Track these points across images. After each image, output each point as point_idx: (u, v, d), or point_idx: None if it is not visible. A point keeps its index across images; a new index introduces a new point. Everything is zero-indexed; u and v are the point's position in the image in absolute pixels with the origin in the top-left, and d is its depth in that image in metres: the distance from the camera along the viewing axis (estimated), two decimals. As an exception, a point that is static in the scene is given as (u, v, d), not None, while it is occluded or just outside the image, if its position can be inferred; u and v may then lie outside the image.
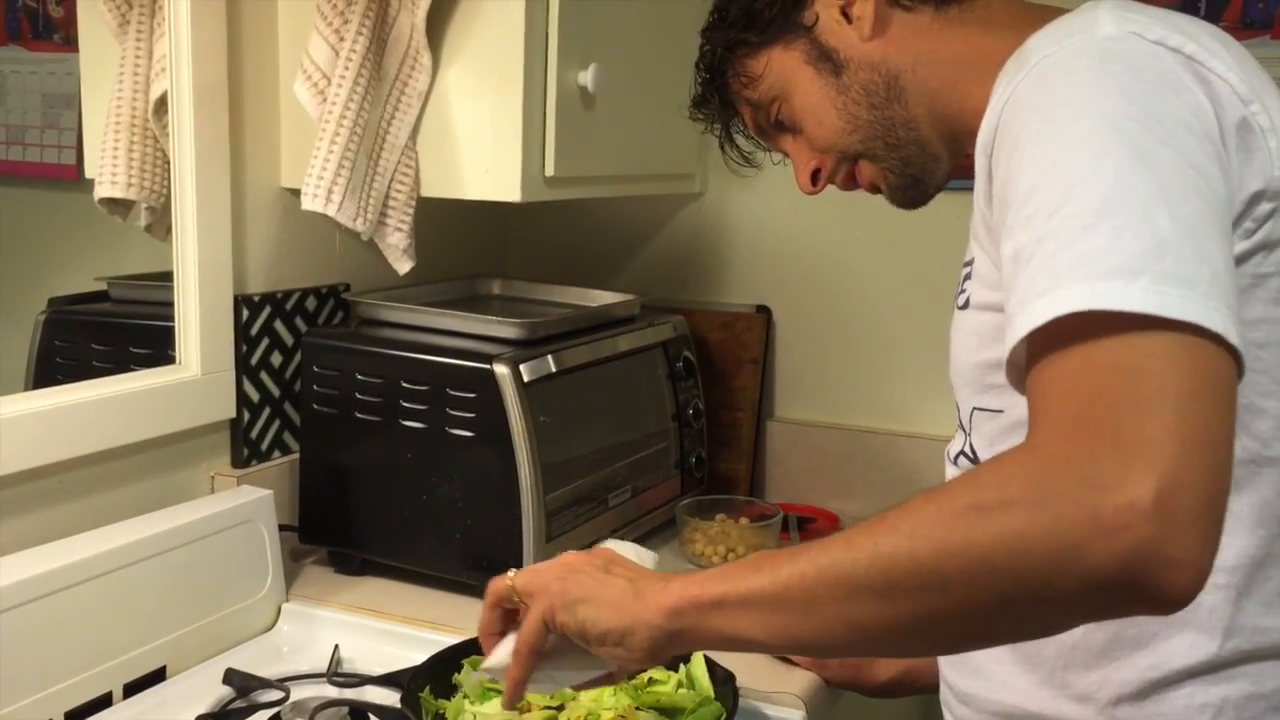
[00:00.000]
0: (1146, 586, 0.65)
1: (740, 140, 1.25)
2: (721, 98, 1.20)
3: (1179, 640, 0.89)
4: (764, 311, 2.05)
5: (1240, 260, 0.83)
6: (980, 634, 0.76)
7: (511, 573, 0.97)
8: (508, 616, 0.99)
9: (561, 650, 0.93)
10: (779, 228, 2.03)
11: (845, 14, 1.08)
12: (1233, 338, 0.70)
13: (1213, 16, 1.68)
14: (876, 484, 1.98)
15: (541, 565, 0.96)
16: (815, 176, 1.16)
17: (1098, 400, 0.68)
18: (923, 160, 1.10)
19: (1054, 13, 0.98)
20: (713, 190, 2.07)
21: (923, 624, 0.73)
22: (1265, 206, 0.83)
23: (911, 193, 1.13)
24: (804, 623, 0.78)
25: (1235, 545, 0.88)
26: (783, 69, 1.12)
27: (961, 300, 1.00)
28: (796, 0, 1.10)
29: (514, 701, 0.97)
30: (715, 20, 1.18)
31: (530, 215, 2.14)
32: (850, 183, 1.16)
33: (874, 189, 1.15)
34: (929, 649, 0.81)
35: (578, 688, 1.01)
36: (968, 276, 0.99)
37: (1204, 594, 0.80)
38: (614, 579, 0.90)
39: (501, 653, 0.97)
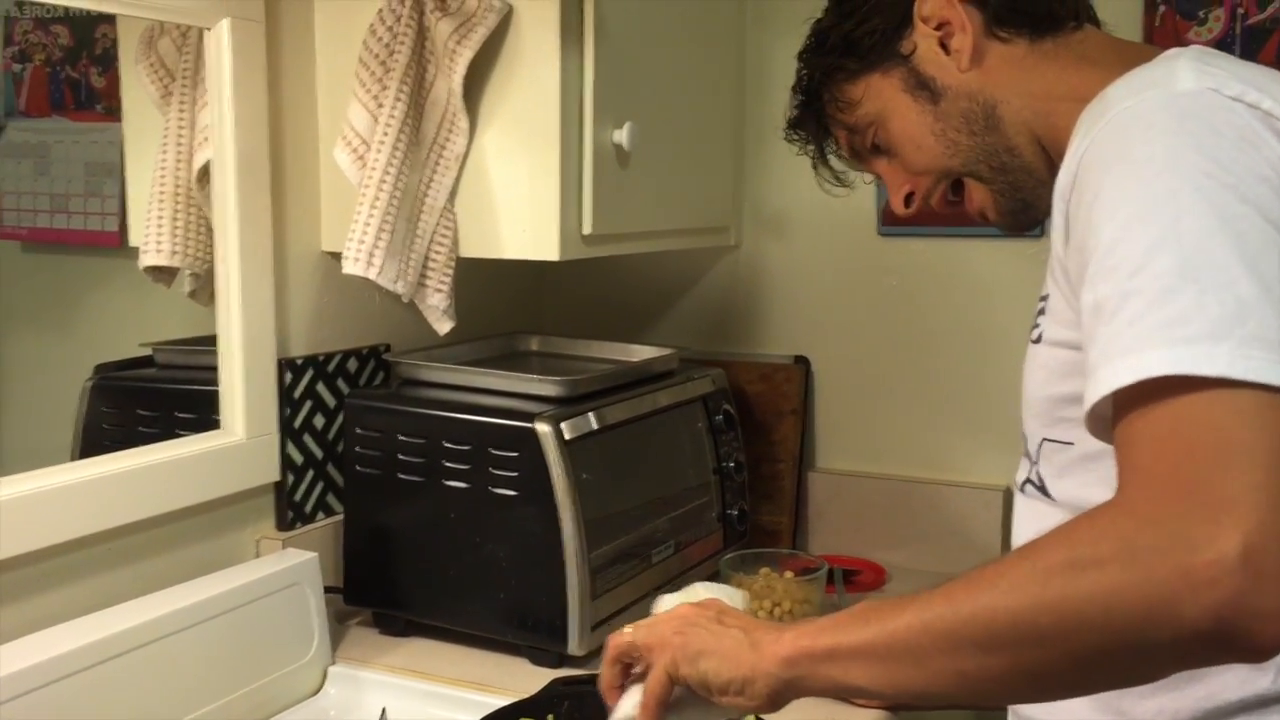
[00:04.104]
0: (1237, 638, 0.68)
1: (834, 161, 1.29)
2: (817, 121, 1.24)
3: (1232, 675, 0.92)
4: (803, 362, 2.04)
5: None
6: (1079, 684, 0.78)
7: (628, 628, 1.01)
8: (626, 671, 1.03)
9: (684, 701, 0.97)
10: (815, 278, 2.04)
11: (944, 45, 1.11)
12: None
13: (1248, 55, 1.68)
14: (920, 534, 1.96)
15: (656, 619, 1.00)
16: (909, 199, 1.20)
17: (1186, 460, 0.71)
18: (1032, 185, 1.12)
19: (1146, 52, 1.00)
20: (748, 242, 2.08)
21: (1024, 675, 0.76)
22: None
23: (1022, 217, 1.16)
24: (911, 673, 0.81)
25: None
26: (880, 95, 1.16)
27: (1035, 335, 1.02)
28: (896, 30, 1.14)
29: None
30: (813, 46, 1.22)
31: (567, 271, 2.15)
32: (945, 203, 1.19)
33: (981, 216, 1.18)
34: (1033, 697, 0.86)
35: None
36: (1041, 311, 1.01)
37: None
38: (729, 630, 0.93)
39: (626, 705, 1.01)
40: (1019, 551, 0.77)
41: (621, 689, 1.03)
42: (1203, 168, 0.80)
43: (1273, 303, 0.74)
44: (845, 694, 0.87)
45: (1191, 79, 0.86)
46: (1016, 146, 1.10)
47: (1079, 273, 0.86)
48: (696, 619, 0.96)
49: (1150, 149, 0.83)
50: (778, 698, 0.90)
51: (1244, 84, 0.85)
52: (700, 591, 1.09)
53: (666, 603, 1.09)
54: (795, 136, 1.29)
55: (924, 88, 1.12)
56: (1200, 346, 0.73)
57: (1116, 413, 0.77)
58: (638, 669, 1.01)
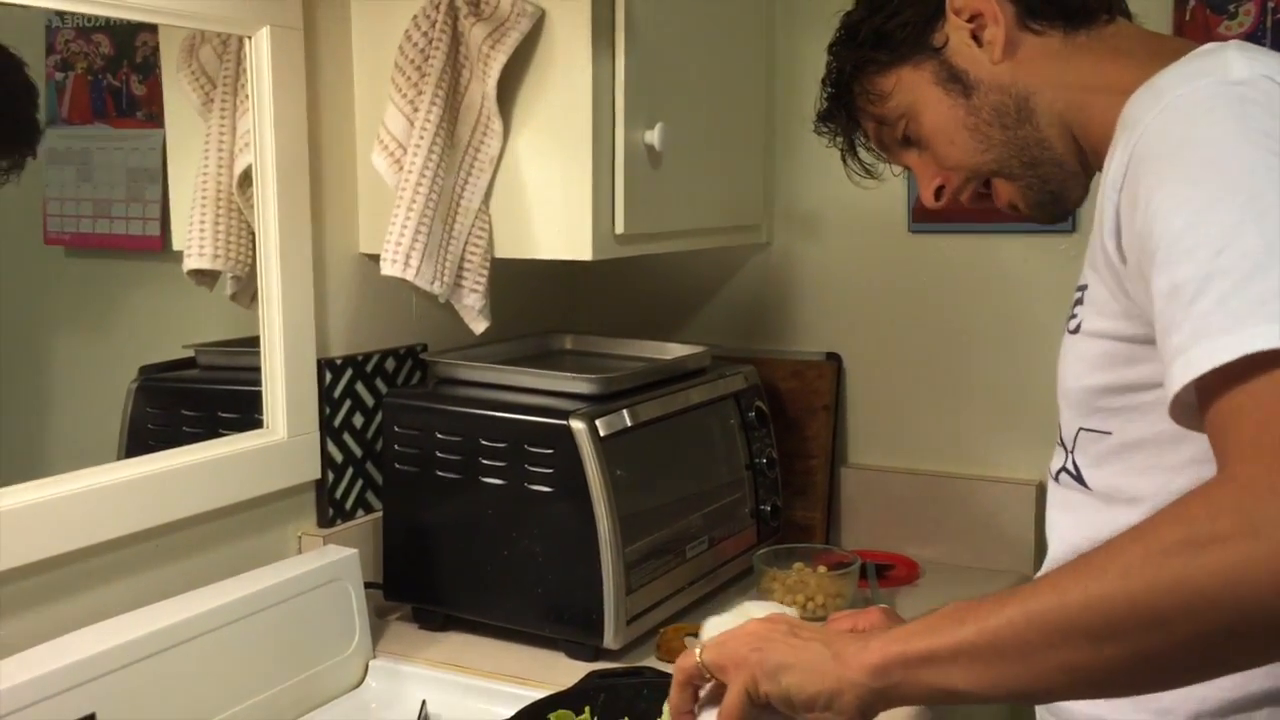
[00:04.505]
0: None
1: (862, 153, 1.28)
2: (847, 113, 1.23)
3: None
4: (834, 359, 2.06)
5: None
6: (1203, 666, 0.76)
7: (697, 649, 0.96)
8: (696, 695, 0.99)
9: None
10: (846, 275, 2.05)
11: (976, 37, 1.11)
12: None
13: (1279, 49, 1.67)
14: (953, 528, 1.97)
15: (724, 636, 0.96)
16: (939, 192, 1.19)
17: None
18: (1061, 177, 1.12)
19: (1179, 45, 1.00)
20: (780, 240, 2.09)
21: (1142, 663, 0.74)
22: None
23: (1051, 209, 1.16)
24: (1018, 671, 0.78)
25: None
26: (912, 88, 1.15)
27: (1072, 325, 1.02)
28: (927, 22, 1.13)
29: None
30: (844, 38, 1.21)
31: (599, 270, 2.17)
32: (977, 198, 1.19)
33: (1011, 207, 1.17)
34: (1149, 687, 0.81)
35: None
36: (1079, 301, 1.01)
37: None
38: (809, 643, 0.90)
39: None
40: (1127, 535, 0.74)
41: (691, 714, 0.99)
42: (1270, 148, 0.79)
43: None
44: (941, 700, 0.83)
45: (1245, 68, 0.86)
46: (1047, 139, 1.10)
47: (1139, 261, 0.86)
48: (770, 633, 0.92)
49: (1214, 131, 0.83)
50: (868, 710, 0.86)
51: None
52: (752, 610, 1.05)
53: (715, 625, 1.06)
54: (825, 129, 1.28)
55: (956, 80, 1.12)
56: None
57: (1207, 393, 0.76)
58: (704, 691, 0.97)
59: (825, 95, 1.25)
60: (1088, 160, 1.11)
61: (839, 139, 1.27)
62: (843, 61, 1.21)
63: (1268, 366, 0.72)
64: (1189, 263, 0.78)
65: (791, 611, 1.04)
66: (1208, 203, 0.79)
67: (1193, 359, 0.75)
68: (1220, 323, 0.74)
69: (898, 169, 1.28)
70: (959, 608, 0.82)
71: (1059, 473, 1.07)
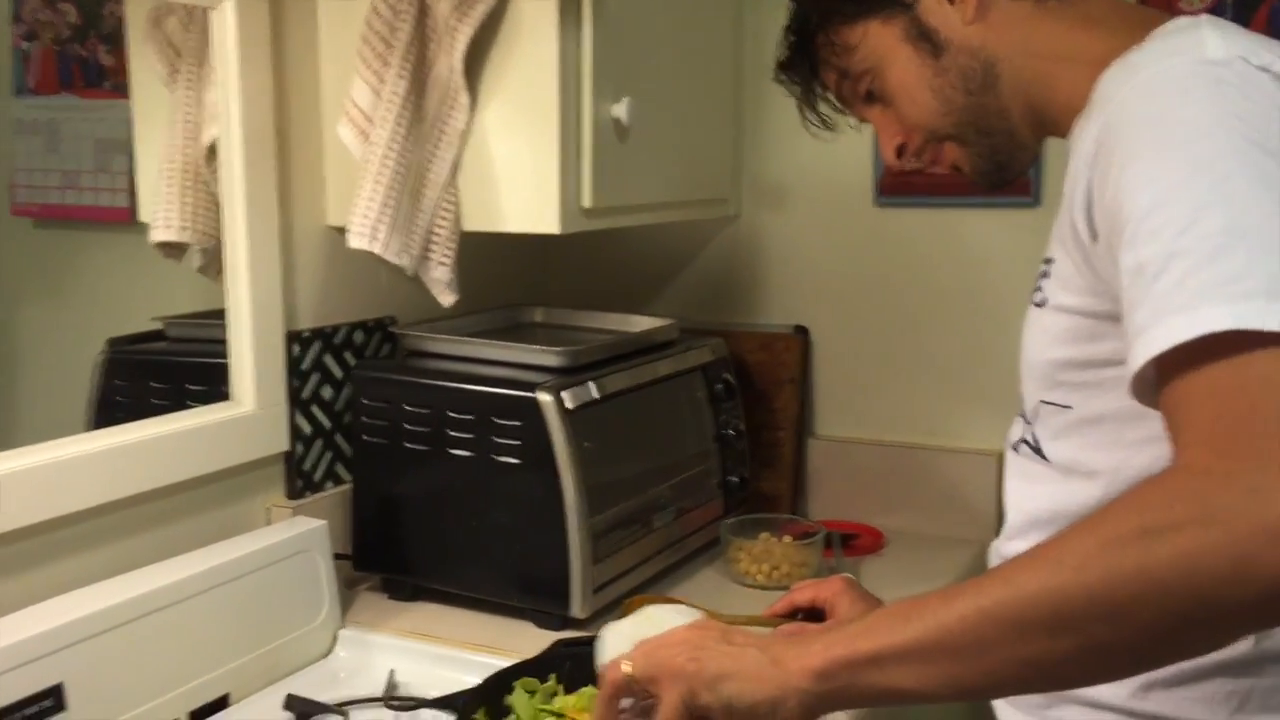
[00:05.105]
0: None
1: (822, 106, 1.24)
2: (810, 64, 1.20)
3: None
4: (802, 332, 2.07)
5: None
6: (1156, 656, 0.76)
7: (625, 663, 0.93)
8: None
9: None
10: (814, 248, 2.06)
11: None
12: None
13: (1240, 23, 1.69)
14: (918, 499, 1.99)
15: (652, 646, 0.93)
16: (901, 150, 1.18)
17: (1250, 416, 0.71)
18: (1010, 148, 1.12)
19: (1150, 15, 1.01)
20: (747, 213, 2.10)
21: (1098, 654, 0.74)
22: None
23: (994, 176, 1.15)
24: (970, 668, 0.77)
25: None
26: (880, 43, 1.12)
27: (1038, 298, 1.02)
28: None
29: None
30: None
31: (569, 244, 2.16)
32: (935, 161, 1.18)
33: (955, 169, 1.17)
34: (1103, 677, 0.80)
35: None
36: (1045, 275, 1.01)
37: None
38: (745, 649, 0.88)
39: None
40: (1081, 525, 0.74)
41: None
42: (1243, 132, 0.80)
43: None
44: (887, 701, 0.82)
45: (1220, 47, 0.87)
46: (1007, 109, 1.09)
47: (1109, 237, 0.86)
48: (703, 641, 0.90)
49: (1187, 112, 0.83)
50: (812, 714, 0.85)
51: (1273, 54, 0.86)
52: (654, 614, 1.04)
53: (616, 630, 1.06)
54: (784, 78, 1.24)
55: (926, 39, 1.10)
56: (1258, 302, 0.72)
57: (1165, 373, 0.76)
58: (625, 704, 0.94)
59: (788, 43, 1.22)
60: (1043, 131, 1.11)
61: (798, 89, 1.24)
62: (808, 10, 1.18)
63: (1224, 350, 0.72)
64: (1154, 242, 0.78)
65: (696, 613, 1.03)
66: (1176, 183, 0.79)
67: (1152, 338, 0.76)
68: (1179, 302, 0.75)
69: (855, 123, 1.25)
70: (902, 606, 0.82)
71: (1018, 443, 1.08)
